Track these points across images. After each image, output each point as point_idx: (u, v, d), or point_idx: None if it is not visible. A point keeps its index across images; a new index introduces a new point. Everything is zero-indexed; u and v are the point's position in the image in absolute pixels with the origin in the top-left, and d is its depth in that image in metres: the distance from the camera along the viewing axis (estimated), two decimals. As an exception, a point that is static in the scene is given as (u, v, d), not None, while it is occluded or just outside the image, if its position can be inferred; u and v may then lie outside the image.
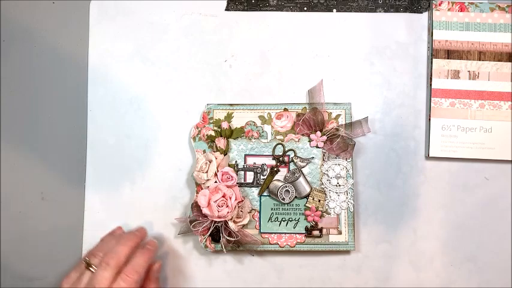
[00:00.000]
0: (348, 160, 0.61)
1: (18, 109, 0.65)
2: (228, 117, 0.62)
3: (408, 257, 0.62)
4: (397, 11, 0.64)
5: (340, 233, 0.60)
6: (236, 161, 0.61)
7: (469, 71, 0.62)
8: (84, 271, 0.53)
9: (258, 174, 0.61)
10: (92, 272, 0.53)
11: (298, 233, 0.60)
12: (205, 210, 0.59)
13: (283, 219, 0.60)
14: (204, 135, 0.62)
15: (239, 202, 0.60)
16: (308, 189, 0.60)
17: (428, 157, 0.62)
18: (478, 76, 0.62)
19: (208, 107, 0.62)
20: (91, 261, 0.54)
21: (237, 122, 0.62)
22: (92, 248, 0.57)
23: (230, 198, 0.59)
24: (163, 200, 0.63)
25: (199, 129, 0.62)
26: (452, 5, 0.63)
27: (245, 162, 0.61)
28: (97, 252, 0.55)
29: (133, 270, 0.53)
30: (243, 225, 0.60)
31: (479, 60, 0.62)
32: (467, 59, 0.62)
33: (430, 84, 0.62)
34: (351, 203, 0.60)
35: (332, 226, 0.60)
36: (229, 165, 0.61)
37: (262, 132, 0.62)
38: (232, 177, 0.60)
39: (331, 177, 0.61)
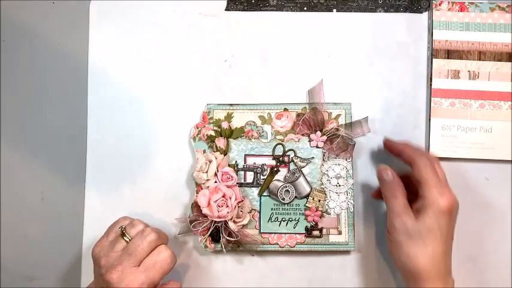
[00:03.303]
0: (348, 160, 0.61)
1: (18, 109, 0.65)
2: (228, 117, 0.62)
3: (408, 257, 0.62)
4: (397, 11, 0.64)
5: (340, 233, 0.60)
6: (236, 161, 0.61)
7: (469, 71, 0.62)
8: (118, 239, 0.55)
9: (258, 174, 0.61)
10: (126, 241, 0.54)
11: (298, 233, 0.60)
12: (205, 210, 0.59)
13: (283, 219, 0.60)
14: (204, 135, 0.62)
15: (239, 202, 0.60)
16: (308, 189, 0.60)
17: (428, 157, 0.62)
18: (478, 76, 0.62)
19: (208, 107, 0.62)
20: (127, 230, 0.55)
21: (237, 122, 0.62)
22: (127, 219, 0.57)
23: (230, 198, 0.59)
24: (163, 200, 0.63)
25: (199, 129, 0.62)
26: (452, 5, 0.63)
27: (245, 162, 0.61)
28: (137, 224, 0.56)
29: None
30: (243, 225, 0.60)
31: (479, 60, 0.62)
32: (467, 59, 0.62)
33: (430, 84, 0.62)
34: (351, 203, 0.60)
35: (332, 226, 0.60)
36: (229, 165, 0.61)
37: (262, 132, 0.62)
38: (232, 177, 0.60)
39: (331, 177, 0.61)
